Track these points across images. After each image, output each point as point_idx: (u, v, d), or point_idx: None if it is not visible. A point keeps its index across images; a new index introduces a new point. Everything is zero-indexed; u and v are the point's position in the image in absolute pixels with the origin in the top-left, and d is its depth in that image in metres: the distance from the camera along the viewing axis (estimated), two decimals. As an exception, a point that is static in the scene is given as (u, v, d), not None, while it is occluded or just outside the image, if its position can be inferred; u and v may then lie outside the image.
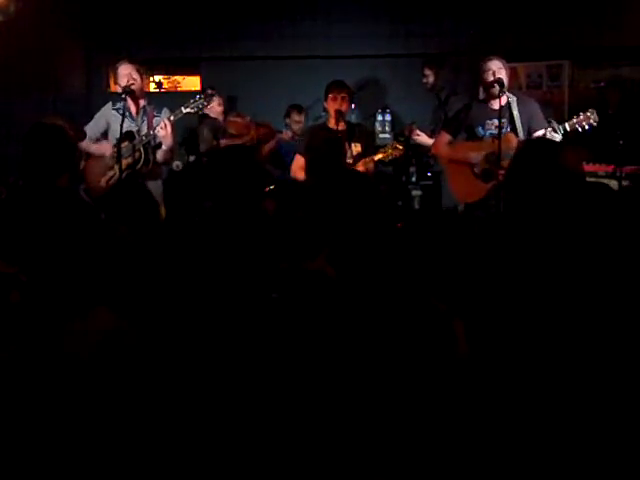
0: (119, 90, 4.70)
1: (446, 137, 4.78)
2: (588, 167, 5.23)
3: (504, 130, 4.35)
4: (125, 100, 4.56)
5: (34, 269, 2.08)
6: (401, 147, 4.78)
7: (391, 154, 4.78)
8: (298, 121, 6.21)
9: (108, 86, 7.16)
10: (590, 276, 1.98)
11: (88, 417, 1.60)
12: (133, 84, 4.64)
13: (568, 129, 4.34)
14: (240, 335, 1.83)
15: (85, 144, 4.61)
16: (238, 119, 5.62)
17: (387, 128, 6.73)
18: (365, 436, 1.26)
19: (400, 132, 6.52)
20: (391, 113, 6.76)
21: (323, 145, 3.68)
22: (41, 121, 3.30)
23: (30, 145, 3.03)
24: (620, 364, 1.80)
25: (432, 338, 1.26)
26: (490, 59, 4.60)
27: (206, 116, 5.73)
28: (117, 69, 4.75)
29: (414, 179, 6.14)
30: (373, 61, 6.88)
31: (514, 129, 4.46)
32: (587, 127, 4.35)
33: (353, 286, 2.03)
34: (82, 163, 4.55)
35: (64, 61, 6.69)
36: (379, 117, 6.74)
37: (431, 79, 5.93)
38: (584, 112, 4.38)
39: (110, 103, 4.83)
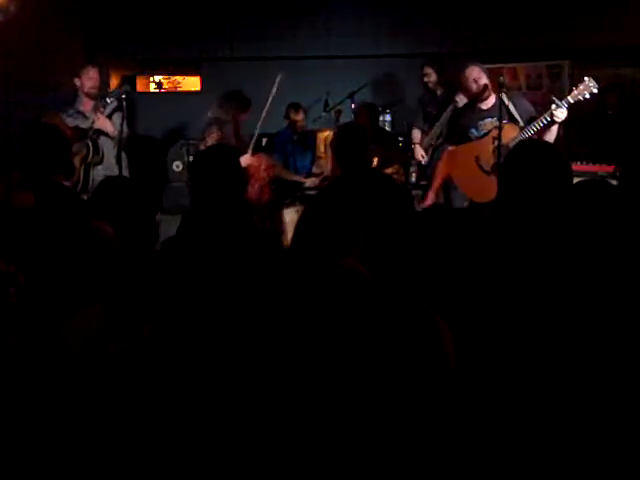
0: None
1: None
2: (588, 167, 5.23)
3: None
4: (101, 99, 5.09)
5: (32, 267, 2.07)
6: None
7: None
8: (297, 119, 6.15)
9: (108, 86, 7.15)
10: (583, 278, 1.96)
11: (84, 412, 1.60)
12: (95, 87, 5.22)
13: (572, 101, 4.24)
14: (246, 332, 1.81)
15: None
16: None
17: (387, 128, 6.71)
18: (353, 440, 1.23)
19: (401, 133, 6.52)
20: (391, 113, 6.75)
21: (347, 137, 3.73)
22: (38, 120, 3.35)
23: (28, 143, 3.09)
24: (619, 368, 1.78)
25: (416, 345, 1.22)
26: (467, 66, 4.58)
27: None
28: (86, 73, 5.23)
29: (414, 179, 6.11)
30: (373, 61, 6.88)
31: (513, 120, 4.45)
32: (588, 96, 4.23)
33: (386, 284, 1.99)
34: None
35: (64, 61, 6.67)
36: (379, 117, 6.72)
37: (433, 77, 5.75)
38: (582, 82, 4.26)
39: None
